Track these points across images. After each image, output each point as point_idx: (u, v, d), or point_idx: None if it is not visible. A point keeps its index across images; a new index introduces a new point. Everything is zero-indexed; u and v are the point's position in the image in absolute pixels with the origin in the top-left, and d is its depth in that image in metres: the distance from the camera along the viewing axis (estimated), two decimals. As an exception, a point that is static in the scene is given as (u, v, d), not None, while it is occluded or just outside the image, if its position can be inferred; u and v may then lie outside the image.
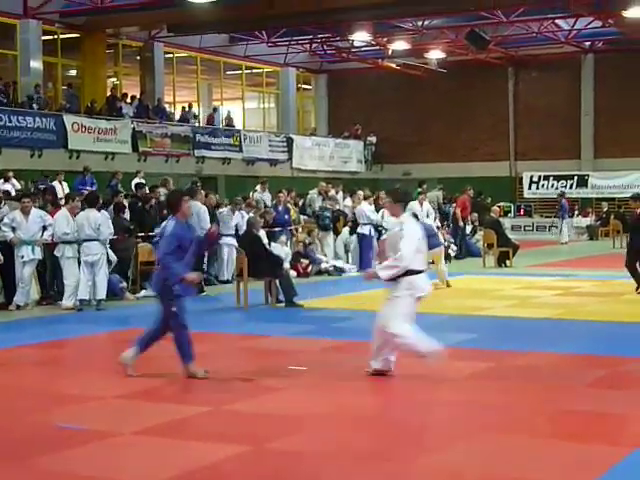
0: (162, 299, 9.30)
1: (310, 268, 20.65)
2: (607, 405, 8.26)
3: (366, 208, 21.64)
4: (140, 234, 17.83)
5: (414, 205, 22.93)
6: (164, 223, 9.85)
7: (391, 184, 27.95)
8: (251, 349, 10.36)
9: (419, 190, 25.02)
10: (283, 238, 20.32)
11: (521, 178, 37.40)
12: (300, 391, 8.93)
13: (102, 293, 15.31)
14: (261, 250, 15.65)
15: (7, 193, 19.01)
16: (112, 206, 17.45)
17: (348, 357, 10.76)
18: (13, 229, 15.14)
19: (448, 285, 17.91)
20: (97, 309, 15.13)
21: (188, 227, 9.55)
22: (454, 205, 26.70)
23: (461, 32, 31.54)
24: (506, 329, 12.99)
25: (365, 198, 22.44)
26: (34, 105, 25.36)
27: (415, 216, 10.33)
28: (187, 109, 31.90)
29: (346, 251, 22.62)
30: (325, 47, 36.61)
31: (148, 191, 20.38)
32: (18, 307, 15.12)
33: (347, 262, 22.09)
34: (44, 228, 15.44)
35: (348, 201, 23.92)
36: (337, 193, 24.81)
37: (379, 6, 26.24)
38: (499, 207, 25.85)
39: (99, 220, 15.10)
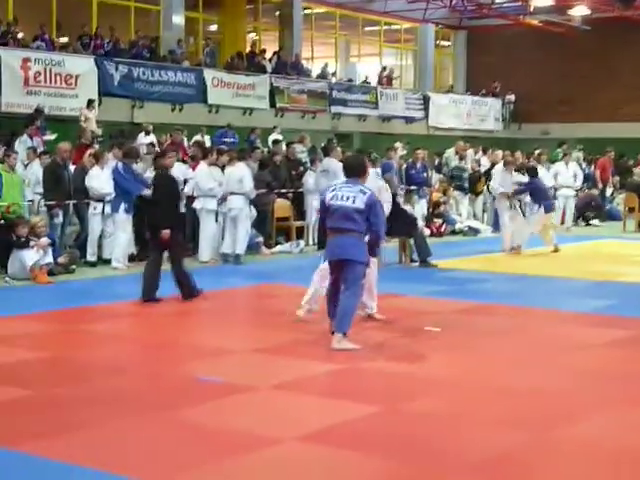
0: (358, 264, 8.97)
1: (444, 228, 20.51)
2: None
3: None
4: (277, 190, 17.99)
5: (559, 166, 22.57)
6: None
7: (530, 143, 27.53)
8: (385, 308, 10.36)
9: (559, 151, 24.56)
10: (416, 198, 20.19)
11: (668, 139, 36.21)
12: (435, 353, 8.92)
13: (242, 247, 15.52)
14: (395, 208, 15.59)
15: (151, 145, 19.38)
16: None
17: (482, 319, 10.68)
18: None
19: (556, 250, 17.29)
20: (236, 263, 15.35)
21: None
22: (594, 167, 26.07)
23: (607, -12, 30.60)
24: (646, 296, 12.68)
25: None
26: (175, 59, 25.76)
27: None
28: (325, 67, 31.93)
29: (484, 211, 22.38)
30: (465, 2, 36.01)
31: (285, 147, 20.55)
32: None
33: (483, 223, 21.85)
34: (184, 182, 15.65)
35: (485, 160, 23.57)
36: (476, 154, 24.43)
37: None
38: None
39: (243, 174, 15.31)
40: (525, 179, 17.81)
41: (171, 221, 11.38)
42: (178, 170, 15.44)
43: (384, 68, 35.06)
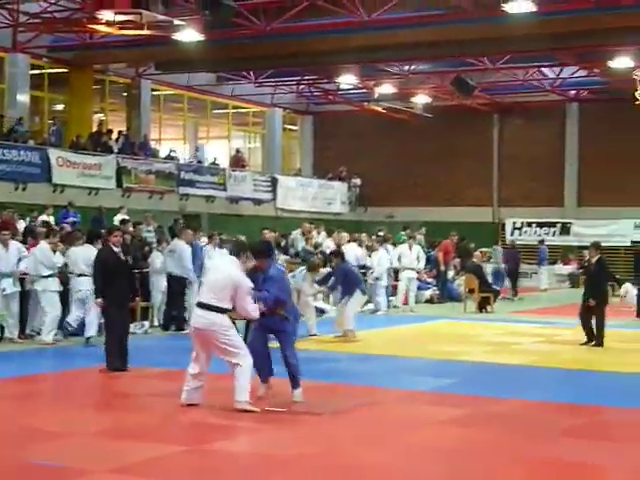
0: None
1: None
2: (583, 455, 8.27)
3: (355, 250, 21.46)
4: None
5: (403, 249, 23.10)
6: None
7: (375, 226, 28.09)
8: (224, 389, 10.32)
9: (402, 233, 25.17)
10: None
11: (504, 224, 37.53)
12: (281, 432, 8.90)
13: (92, 330, 15.20)
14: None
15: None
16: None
17: (327, 399, 10.71)
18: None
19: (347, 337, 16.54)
20: (86, 345, 15.02)
21: None
22: (437, 249, 26.76)
23: (447, 77, 31.78)
24: (485, 375, 13.00)
25: (354, 240, 22.44)
26: (18, 138, 25.34)
27: None
28: (173, 151, 31.98)
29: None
30: (312, 89, 36.82)
31: (132, 227, 20.38)
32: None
33: (329, 303, 22.04)
34: (18, 260, 15.41)
35: (328, 242, 23.90)
36: (319, 234, 24.81)
37: (365, 49, 26.40)
38: (481, 252, 25.92)
39: (93, 256, 15.06)
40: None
41: None
42: (14, 247, 15.25)
43: (237, 150, 35.38)
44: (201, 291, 10.05)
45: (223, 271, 9.76)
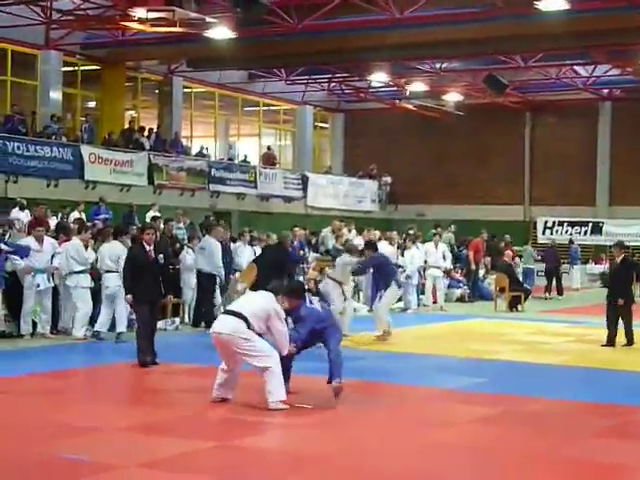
0: None
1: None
2: (615, 455, 8.21)
3: (385, 248, 21.38)
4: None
5: (429, 247, 23.04)
6: None
7: (406, 224, 28.00)
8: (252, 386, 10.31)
9: (433, 232, 25.08)
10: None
11: (535, 223, 37.34)
12: (308, 430, 8.90)
13: (122, 326, 15.27)
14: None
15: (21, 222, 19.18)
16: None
17: (358, 397, 10.69)
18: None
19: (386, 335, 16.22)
20: (116, 341, 15.07)
21: None
22: (467, 247, 26.66)
23: (479, 75, 31.66)
24: (515, 374, 12.94)
25: (386, 239, 22.31)
26: (52, 135, 25.52)
27: None
28: (205, 149, 32.10)
29: (359, 290, 22.59)
30: (343, 86, 36.78)
31: (163, 224, 20.47)
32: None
33: (358, 301, 22.02)
34: (52, 257, 15.54)
35: (359, 240, 23.83)
36: (349, 232, 24.76)
37: (398, 47, 26.35)
38: (512, 251, 25.81)
39: (120, 252, 15.11)
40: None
41: None
42: (49, 243, 15.33)
43: (269, 148, 35.49)
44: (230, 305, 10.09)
45: (260, 302, 9.79)
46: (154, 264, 12.75)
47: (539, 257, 30.35)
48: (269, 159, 34.60)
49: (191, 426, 9.02)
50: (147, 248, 12.75)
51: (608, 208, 36.43)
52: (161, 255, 12.93)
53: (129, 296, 12.89)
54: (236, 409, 9.62)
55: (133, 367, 12.37)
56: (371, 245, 16.91)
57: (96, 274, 15.80)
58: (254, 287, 15.33)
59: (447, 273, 24.38)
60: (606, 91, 35.79)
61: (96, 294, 15.79)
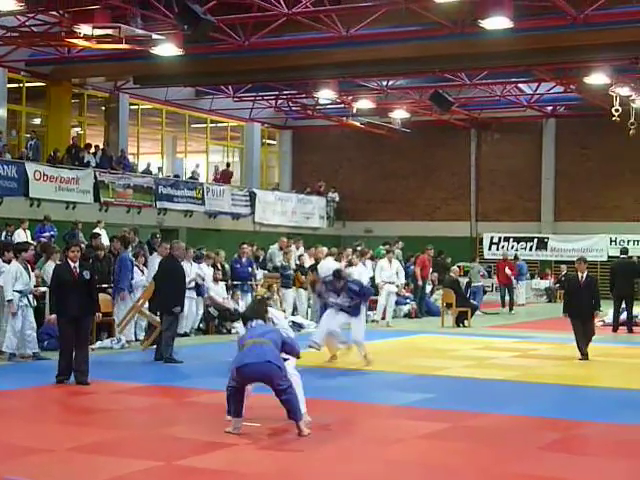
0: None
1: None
2: (561, 469, 8.26)
3: (332, 264, 21.39)
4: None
5: (383, 263, 23.08)
6: None
7: (352, 241, 28.09)
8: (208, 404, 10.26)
9: (384, 248, 25.14)
10: (238, 293, 20.47)
11: (481, 239, 37.64)
12: (253, 448, 8.86)
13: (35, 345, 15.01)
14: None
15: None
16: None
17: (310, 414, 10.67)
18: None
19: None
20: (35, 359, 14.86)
21: None
22: (414, 264, 26.77)
23: (425, 93, 31.90)
24: (464, 389, 12.99)
25: (331, 254, 22.36)
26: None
27: None
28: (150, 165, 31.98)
29: (308, 306, 22.63)
30: (290, 104, 36.84)
31: (108, 242, 20.30)
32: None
33: (307, 318, 22.04)
34: None
35: (306, 256, 23.88)
36: (297, 249, 24.77)
37: (344, 65, 26.47)
38: (459, 267, 26.01)
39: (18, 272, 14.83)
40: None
41: None
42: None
43: (227, 165, 35.70)
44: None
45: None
46: (79, 282, 12.66)
47: (485, 274, 30.56)
48: (227, 176, 34.61)
49: (138, 446, 8.92)
50: (72, 265, 12.72)
51: (553, 224, 36.83)
52: (86, 272, 12.82)
53: (53, 316, 12.89)
54: (185, 429, 9.54)
55: (77, 386, 12.21)
56: (340, 276, 15.18)
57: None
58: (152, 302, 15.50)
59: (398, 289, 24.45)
60: (550, 108, 36.24)
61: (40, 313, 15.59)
